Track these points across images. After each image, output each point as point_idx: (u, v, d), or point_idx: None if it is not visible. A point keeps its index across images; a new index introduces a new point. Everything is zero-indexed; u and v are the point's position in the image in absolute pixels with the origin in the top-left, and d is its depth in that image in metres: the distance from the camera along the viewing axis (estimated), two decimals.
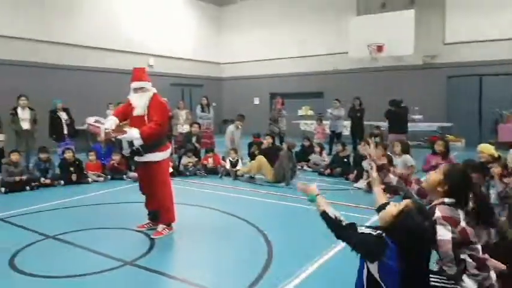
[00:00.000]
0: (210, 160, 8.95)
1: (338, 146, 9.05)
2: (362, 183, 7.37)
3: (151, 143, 4.58)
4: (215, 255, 4.29)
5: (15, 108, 8.41)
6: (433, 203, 2.57)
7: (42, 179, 7.52)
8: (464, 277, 2.38)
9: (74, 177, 7.79)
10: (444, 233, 2.39)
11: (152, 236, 4.74)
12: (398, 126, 9.75)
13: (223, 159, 9.15)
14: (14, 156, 7.36)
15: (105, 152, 9.00)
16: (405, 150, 6.69)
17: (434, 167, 6.38)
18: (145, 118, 4.62)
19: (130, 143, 4.64)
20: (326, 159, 9.34)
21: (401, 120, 9.85)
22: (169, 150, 4.95)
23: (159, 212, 4.91)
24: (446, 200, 2.53)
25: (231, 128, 9.71)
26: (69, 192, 7.12)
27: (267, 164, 7.93)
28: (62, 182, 7.69)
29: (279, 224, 5.37)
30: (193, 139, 9.54)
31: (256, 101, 18.00)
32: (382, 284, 2.22)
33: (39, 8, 11.95)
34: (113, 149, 8.88)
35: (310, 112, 16.77)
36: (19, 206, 6.11)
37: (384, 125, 12.72)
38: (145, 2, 15.43)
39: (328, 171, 8.68)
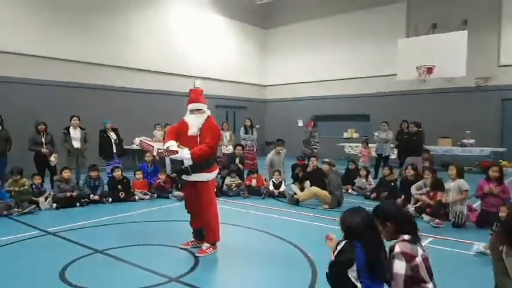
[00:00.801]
0: (254, 181, 8.92)
1: (385, 170, 8.75)
2: (410, 208, 7.06)
3: (201, 163, 4.64)
4: (258, 276, 4.19)
5: (67, 128, 8.85)
6: (394, 242, 2.70)
7: (92, 196, 7.78)
8: None
9: (121, 194, 8.00)
10: (399, 267, 2.55)
11: (197, 254, 4.73)
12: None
13: (266, 180, 9.09)
14: (66, 174, 7.69)
15: (151, 171, 9.22)
16: (460, 174, 6.34)
17: (487, 194, 6.01)
18: (198, 139, 4.72)
19: (180, 162, 4.70)
20: (372, 183, 9.05)
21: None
22: (216, 172, 5.01)
23: (205, 231, 4.92)
24: (406, 237, 2.66)
25: (270, 155, 9.60)
26: (117, 209, 7.30)
27: (321, 191, 7.79)
28: (110, 199, 7.92)
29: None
30: (237, 160, 9.58)
31: (300, 123, 17.90)
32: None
33: (93, 32, 12.63)
34: (159, 169, 9.08)
35: (356, 135, 16.45)
36: (70, 221, 6.33)
37: (433, 148, 12.29)
38: (192, 25, 15.97)
39: (374, 195, 8.40)
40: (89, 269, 4.34)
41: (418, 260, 2.58)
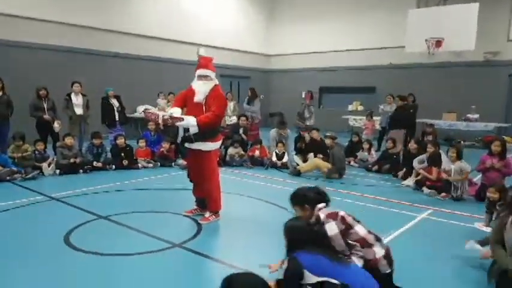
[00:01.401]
0: (257, 152, 8.91)
1: (388, 143, 8.72)
2: (411, 181, 7.11)
3: (205, 132, 4.61)
4: (260, 243, 4.24)
5: (69, 95, 8.76)
6: (314, 216, 2.98)
7: (95, 163, 7.81)
8: (352, 256, 2.80)
9: (125, 162, 8.03)
10: (332, 229, 2.82)
11: (200, 222, 4.79)
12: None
13: (269, 151, 9.09)
14: (69, 140, 7.69)
15: (154, 139, 9.21)
16: (460, 155, 6.34)
17: (489, 168, 6.00)
18: (204, 107, 4.66)
19: (184, 130, 4.67)
20: (374, 156, 9.04)
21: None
22: (220, 142, 4.98)
23: (207, 199, 4.96)
24: (320, 206, 3.00)
25: (273, 133, 9.49)
26: (120, 177, 7.34)
27: (323, 163, 7.81)
28: (113, 166, 7.95)
29: None
30: (241, 131, 9.54)
31: (304, 95, 17.74)
32: None
33: None
34: (162, 137, 9.07)
35: (361, 108, 16.30)
36: (73, 187, 6.37)
37: (437, 122, 12.22)
38: None
39: (376, 167, 8.42)
40: (93, 234, 4.40)
41: (341, 213, 2.91)
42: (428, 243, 4.35)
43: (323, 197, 3.10)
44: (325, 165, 7.74)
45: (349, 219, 2.89)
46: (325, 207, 3.01)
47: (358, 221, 2.95)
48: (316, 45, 17.44)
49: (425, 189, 6.57)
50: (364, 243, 2.83)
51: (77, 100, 8.78)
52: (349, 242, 2.83)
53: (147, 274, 3.43)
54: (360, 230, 2.88)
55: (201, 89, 4.71)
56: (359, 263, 2.78)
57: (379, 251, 2.84)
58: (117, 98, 9.43)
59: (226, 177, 7.42)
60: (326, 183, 7.23)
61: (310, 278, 2.47)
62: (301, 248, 2.58)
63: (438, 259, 3.85)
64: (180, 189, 6.25)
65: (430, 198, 6.30)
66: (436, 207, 5.74)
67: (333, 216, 2.89)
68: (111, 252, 3.83)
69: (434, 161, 6.76)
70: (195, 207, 5.14)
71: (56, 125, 8.40)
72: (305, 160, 8.56)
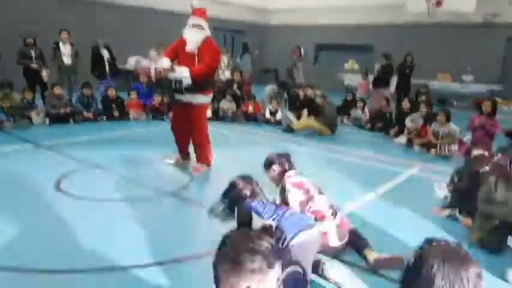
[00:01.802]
0: (250, 107, 8.83)
1: (382, 101, 8.67)
2: (402, 139, 7.18)
3: (198, 84, 4.51)
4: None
5: (57, 43, 8.48)
6: (281, 183, 3.02)
7: (85, 113, 7.70)
8: None
9: (116, 113, 7.93)
10: (293, 198, 2.87)
11: (191, 172, 4.80)
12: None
13: (263, 107, 9.01)
14: (57, 90, 7.52)
15: (146, 92, 9.06)
16: (449, 118, 6.36)
17: (479, 127, 6.02)
18: (196, 58, 4.53)
19: (175, 82, 4.57)
20: (368, 114, 9.02)
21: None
22: (211, 96, 4.92)
23: (196, 152, 4.96)
24: (289, 173, 3.01)
25: (269, 90, 9.32)
26: (111, 128, 7.27)
27: (316, 124, 7.75)
28: (104, 118, 7.86)
29: (316, 170, 5.30)
30: (235, 86, 9.41)
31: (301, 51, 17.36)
32: None
33: None
34: (154, 90, 8.92)
35: (356, 66, 16.04)
36: (63, 137, 6.31)
37: (432, 83, 12.16)
38: None
39: (368, 125, 8.43)
40: (85, 180, 4.40)
41: (307, 184, 2.93)
42: (412, 199, 4.42)
43: (292, 164, 3.10)
44: (319, 126, 7.71)
45: (312, 191, 2.91)
46: (296, 174, 3.01)
47: (322, 193, 2.97)
48: (313, 0, 16.91)
49: (415, 147, 6.63)
50: (320, 218, 2.84)
51: (65, 49, 8.50)
52: (307, 212, 2.85)
53: (139, 220, 3.46)
54: (321, 202, 2.90)
55: (193, 38, 4.56)
56: None
57: (331, 226, 2.85)
58: (108, 48, 9.16)
59: (219, 131, 7.40)
60: (318, 139, 7.25)
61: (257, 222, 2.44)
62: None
63: (419, 217, 3.89)
64: (172, 142, 6.21)
65: (420, 155, 6.37)
66: (425, 164, 5.81)
67: (298, 185, 2.92)
68: (103, 198, 3.84)
69: (430, 120, 6.76)
70: (178, 155, 5.16)
71: (44, 74, 8.17)
72: (299, 117, 8.51)
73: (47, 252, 2.84)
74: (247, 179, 2.64)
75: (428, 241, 1.28)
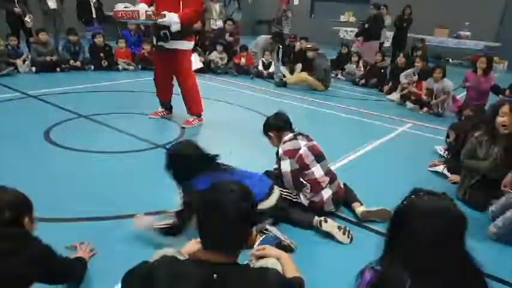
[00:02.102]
0: (243, 59, 8.62)
1: (377, 56, 8.53)
2: (395, 96, 7.14)
3: (183, 31, 4.37)
4: (242, 144, 4.28)
5: None
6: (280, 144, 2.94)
7: (72, 62, 7.46)
8: (300, 195, 2.85)
9: (104, 63, 7.70)
10: (284, 166, 2.83)
11: (183, 125, 4.75)
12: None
13: (255, 58, 8.80)
14: (43, 36, 7.23)
15: (135, 40, 8.77)
16: (444, 74, 6.26)
17: (472, 86, 6.00)
18: (180, 2, 4.32)
19: (159, 28, 4.37)
20: (362, 69, 8.89)
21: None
22: (193, 42, 4.79)
23: (186, 102, 4.87)
24: (286, 137, 2.92)
25: (261, 41, 8.96)
26: (100, 77, 7.09)
27: (310, 78, 7.61)
28: (92, 67, 7.64)
29: (307, 126, 5.28)
30: (227, 36, 9.14)
31: (296, 1, 16.78)
32: None
33: None
34: (143, 38, 8.63)
35: (353, 19, 15.60)
36: (51, 86, 6.14)
37: (429, 38, 11.94)
38: None
39: (362, 81, 8.34)
40: (74, 131, 4.33)
41: (302, 150, 2.84)
42: (402, 155, 4.47)
43: (289, 126, 3.01)
44: (312, 81, 7.59)
45: (307, 159, 2.82)
46: (292, 139, 2.89)
47: (320, 161, 2.87)
48: None
49: (408, 104, 6.62)
50: (315, 187, 2.80)
51: None
52: (302, 181, 2.82)
53: (130, 171, 3.46)
54: (317, 171, 2.82)
55: None
56: (305, 202, 2.82)
57: (327, 194, 2.83)
58: None
59: (210, 84, 7.28)
60: (311, 94, 7.18)
61: None
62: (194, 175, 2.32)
63: (408, 172, 3.93)
64: None
65: (412, 112, 6.37)
66: (416, 121, 5.82)
67: (291, 154, 2.82)
68: (93, 149, 3.80)
69: (425, 76, 6.69)
70: (161, 109, 5.08)
71: (27, 19, 7.83)
72: (292, 71, 8.37)
73: (32, 200, 2.80)
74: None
75: (415, 191, 1.30)
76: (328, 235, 2.62)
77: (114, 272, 1.60)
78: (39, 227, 2.43)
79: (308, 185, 2.80)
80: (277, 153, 2.95)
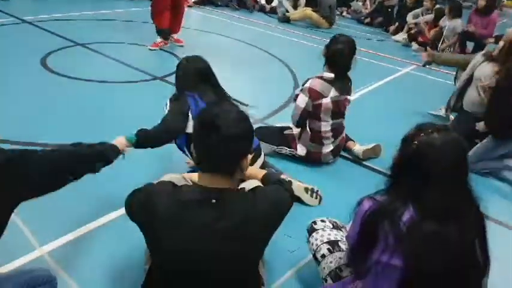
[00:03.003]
0: None
1: None
2: (401, 36, 6.96)
3: None
4: (240, 77, 4.23)
5: None
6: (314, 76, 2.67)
7: None
8: (298, 146, 2.75)
9: None
10: (300, 101, 2.62)
11: (149, 48, 4.84)
12: None
13: None
14: None
15: None
16: (457, 13, 5.95)
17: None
18: None
19: None
20: (369, 7, 8.59)
21: None
22: None
23: (176, 23, 5.03)
24: (325, 75, 2.62)
25: None
26: (98, 5, 6.82)
27: (314, 15, 7.34)
28: None
29: (309, 64, 5.20)
30: None
31: None
32: None
33: None
34: None
35: None
36: (46, 11, 5.95)
37: None
38: None
39: (368, 20, 8.09)
40: (71, 59, 4.27)
41: (326, 101, 2.59)
42: (404, 95, 4.46)
43: (339, 68, 2.67)
44: (317, 17, 7.35)
45: (324, 112, 2.62)
46: (328, 82, 2.60)
47: (335, 118, 2.68)
48: None
49: (414, 45, 6.47)
50: (315, 138, 2.70)
51: None
52: (306, 125, 2.69)
53: (128, 101, 3.46)
54: (324, 126, 2.67)
55: None
56: (302, 152, 2.73)
57: (327, 149, 2.74)
58: None
59: (211, 16, 7.07)
60: (314, 32, 7.00)
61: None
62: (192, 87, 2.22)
63: (409, 112, 3.93)
64: None
65: (416, 54, 6.25)
66: (420, 63, 5.72)
67: (314, 95, 2.58)
68: (91, 78, 3.77)
69: (437, 18, 6.44)
70: (159, 39, 5.00)
71: None
72: (296, 6, 8.07)
73: (25, 125, 2.84)
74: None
75: (419, 127, 1.29)
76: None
77: (118, 195, 1.64)
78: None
79: (309, 132, 2.70)
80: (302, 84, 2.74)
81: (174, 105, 2.18)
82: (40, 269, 1.37)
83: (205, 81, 2.27)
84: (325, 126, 2.67)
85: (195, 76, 2.23)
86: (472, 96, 3.14)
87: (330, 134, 2.71)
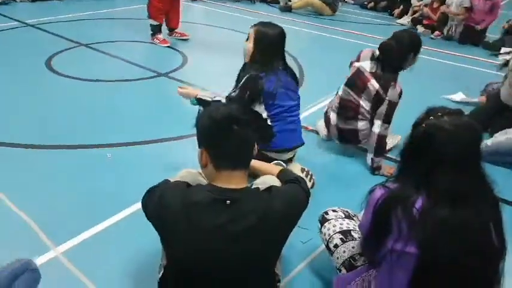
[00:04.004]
0: None
1: None
2: (405, 20, 6.87)
3: None
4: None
5: None
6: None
7: None
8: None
9: None
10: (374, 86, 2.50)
11: (158, 44, 4.87)
12: None
13: None
14: None
15: None
16: None
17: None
18: None
19: None
20: None
21: None
22: None
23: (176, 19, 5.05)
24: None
25: None
26: (97, 5, 6.81)
27: (316, 1, 7.25)
28: None
29: (312, 52, 5.18)
30: None
31: None
32: None
33: None
34: None
35: None
36: (49, 14, 5.95)
37: None
38: None
39: (371, 4, 7.98)
40: (76, 60, 4.28)
41: (354, 64, 2.71)
42: (411, 80, 4.39)
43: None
44: (320, 4, 7.26)
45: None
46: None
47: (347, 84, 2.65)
48: None
49: (419, 28, 6.37)
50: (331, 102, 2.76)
51: None
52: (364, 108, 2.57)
53: (134, 98, 3.47)
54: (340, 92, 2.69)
55: None
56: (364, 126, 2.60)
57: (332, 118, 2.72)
58: None
59: (211, 9, 7.03)
60: (317, 19, 6.93)
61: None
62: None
63: (417, 96, 3.89)
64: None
65: (422, 37, 6.14)
66: (427, 46, 5.64)
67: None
68: (96, 78, 3.77)
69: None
70: (159, 35, 5.01)
71: None
72: None
73: (33, 127, 2.85)
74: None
75: (430, 111, 1.27)
76: None
77: (131, 192, 1.65)
78: (40, 154, 2.51)
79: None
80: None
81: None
82: (17, 261, 1.36)
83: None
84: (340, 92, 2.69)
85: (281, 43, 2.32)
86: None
87: (335, 104, 2.71)
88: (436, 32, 6.16)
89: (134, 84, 3.76)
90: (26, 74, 3.83)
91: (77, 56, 4.40)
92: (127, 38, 5.10)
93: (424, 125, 1.22)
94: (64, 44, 4.68)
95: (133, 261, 1.79)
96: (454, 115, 1.21)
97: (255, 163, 1.57)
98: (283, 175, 1.55)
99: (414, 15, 6.67)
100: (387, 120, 2.49)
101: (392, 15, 7.40)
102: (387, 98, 2.46)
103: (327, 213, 1.70)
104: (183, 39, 5.11)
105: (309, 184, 2.30)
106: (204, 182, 1.51)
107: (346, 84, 2.64)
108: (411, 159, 1.27)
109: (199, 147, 1.31)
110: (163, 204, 1.24)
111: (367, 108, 2.55)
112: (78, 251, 1.84)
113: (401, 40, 2.51)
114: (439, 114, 1.22)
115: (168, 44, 4.89)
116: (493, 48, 5.54)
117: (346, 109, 2.63)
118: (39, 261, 1.74)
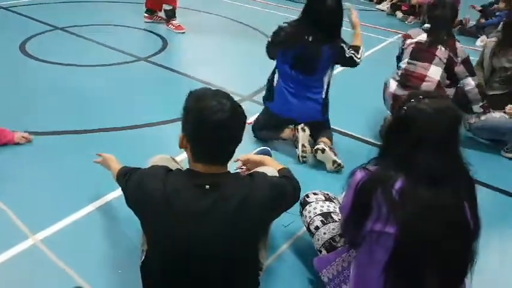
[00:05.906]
0: None
1: None
2: (385, 5, 6.92)
3: None
4: (229, 60, 4.18)
5: None
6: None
7: None
8: None
9: None
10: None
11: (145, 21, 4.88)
12: None
13: None
14: None
15: None
16: None
17: None
18: None
19: None
20: None
21: None
22: None
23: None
24: (425, 26, 2.85)
25: None
26: None
27: None
28: None
29: None
30: None
31: None
32: None
33: None
34: None
35: None
36: None
37: None
38: None
39: None
40: (51, 44, 4.16)
41: (409, 41, 2.82)
42: (390, 67, 4.42)
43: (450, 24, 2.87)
44: None
45: (405, 53, 2.86)
46: (424, 29, 2.85)
47: (419, 59, 2.76)
48: None
49: (398, 14, 6.43)
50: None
51: None
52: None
53: (112, 83, 3.40)
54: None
55: None
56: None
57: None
58: None
59: None
60: (292, 3, 6.82)
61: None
62: None
63: None
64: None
65: (401, 23, 6.22)
66: (407, 31, 5.70)
67: (405, 37, 2.91)
68: (72, 62, 3.67)
69: None
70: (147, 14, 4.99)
71: None
72: None
73: (9, 113, 2.76)
74: None
75: (412, 95, 1.28)
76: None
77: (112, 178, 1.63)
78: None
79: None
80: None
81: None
82: None
83: None
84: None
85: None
86: None
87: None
88: (410, 17, 6.24)
89: (113, 68, 3.68)
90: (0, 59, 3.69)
91: (52, 40, 4.27)
92: (106, 22, 4.95)
93: (405, 107, 1.24)
94: (38, 28, 4.53)
95: (115, 247, 1.78)
96: (435, 98, 1.23)
97: (255, 157, 1.64)
98: (284, 171, 1.55)
99: (393, 1, 6.70)
100: (473, 73, 2.69)
101: (372, 0, 7.41)
102: (459, 58, 2.63)
103: (307, 196, 1.72)
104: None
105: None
106: (177, 167, 1.49)
107: (412, 58, 2.76)
108: (392, 141, 1.29)
109: (182, 131, 1.27)
110: (143, 190, 1.23)
111: (435, 77, 2.66)
112: (57, 238, 1.81)
113: (444, 3, 2.72)
114: (420, 97, 1.24)
115: (184, 30, 4.75)
116: (470, 35, 5.63)
117: (410, 79, 2.75)
118: (16, 249, 1.72)
